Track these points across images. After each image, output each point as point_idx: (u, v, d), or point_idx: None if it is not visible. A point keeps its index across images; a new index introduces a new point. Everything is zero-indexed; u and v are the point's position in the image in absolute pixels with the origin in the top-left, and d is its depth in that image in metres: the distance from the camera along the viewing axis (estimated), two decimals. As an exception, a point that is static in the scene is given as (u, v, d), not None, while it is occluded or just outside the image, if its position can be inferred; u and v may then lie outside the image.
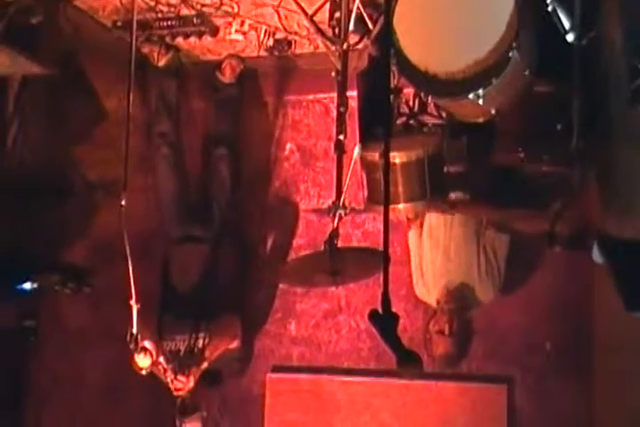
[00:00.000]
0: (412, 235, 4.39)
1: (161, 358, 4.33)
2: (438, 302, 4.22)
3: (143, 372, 3.95)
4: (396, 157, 3.42)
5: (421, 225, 4.33)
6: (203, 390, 4.52)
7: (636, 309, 2.77)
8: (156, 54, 4.68)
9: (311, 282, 4.12)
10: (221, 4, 4.29)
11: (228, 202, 4.88)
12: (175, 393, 4.38)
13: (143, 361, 4.00)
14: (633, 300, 2.74)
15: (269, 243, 5.04)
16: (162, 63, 4.73)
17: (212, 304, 4.63)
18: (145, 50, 4.64)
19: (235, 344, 4.62)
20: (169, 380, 4.35)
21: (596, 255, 3.06)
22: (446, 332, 4.10)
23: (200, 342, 4.49)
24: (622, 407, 3.67)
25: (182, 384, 4.36)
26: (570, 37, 2.95)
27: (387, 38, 3.12)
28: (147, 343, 4.04)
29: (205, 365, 4.46)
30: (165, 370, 4.34)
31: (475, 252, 4.22)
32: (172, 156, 4.87)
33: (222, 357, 4.56)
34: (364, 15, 3.72)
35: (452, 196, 3.66)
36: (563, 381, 4.38)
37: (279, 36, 4.55)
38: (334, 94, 3.68)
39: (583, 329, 4.26)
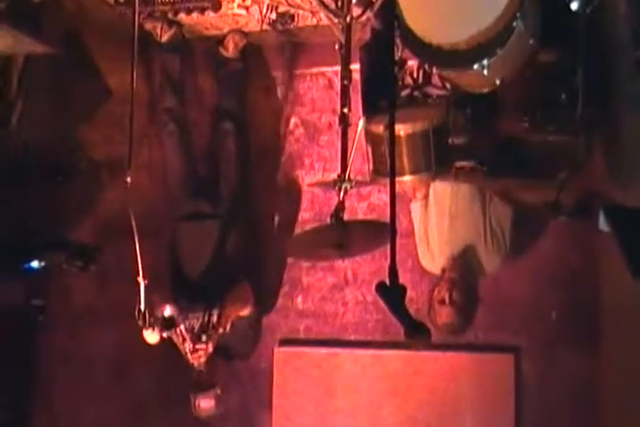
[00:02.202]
0: (414, 206, 4.39)
1: (182, 326, 4.32)
2: (444, 271, 4.23)
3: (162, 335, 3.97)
4: (401, 130, 3.42)
5: (426, 196, 4.33)
6: (216, 364, 4.54)
7: (642, 276, 2.77)
8: (158, 30, 4.67)
9: (317, 255, 4.13)
10: (223, -22, 4.28)
11: (236, 177, 4.89)
12: (194, 363, 4.37)
13: (151, 337, 4.03)
14: (639, 267, 2.75)
15: (275, 217, 5.05)
16: (165, 39, 4.72)
17: (222, 281, 4.64)
18: (148, 26, 4.63)
19: (247, 310, 4.61)
20: (187, 350, 4.35)
21: (602, 224, 3.07)
22: (446, 301, 4.11)
23: (214, 318, 4.49)
24: (629, 375, 3.69)
25: (202, 351, 4.35)
26: (574, 6, 2.94)
27: (390, 10, 3.11)
28: (168, 309, 4.05)
29: (221, 331, 4.46)
30: (184, 340, 4.34)
31: (481, 222, 4.22)
32: (178, 131, 4.86)
33: (237, 325, 4.56)
34: (367, -13, 3.71)
35: (458, 164, 3.65)
36: (569, 349, 4.40)
37: (282, 9, 4.52)
38: (338, 67, 3.67)
39: (589, 298, 4.26)
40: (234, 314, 4.55)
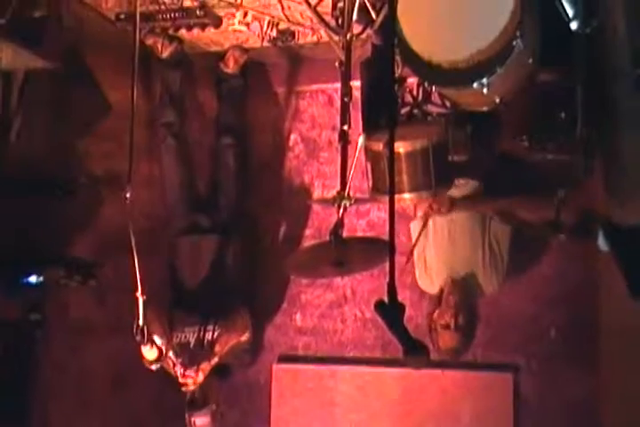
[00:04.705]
0: (414, 226, 4.40)
1: (170, 353, 4.32)
2: (442, 292, 4.22)
3: (153, 367, 3.96)
4: (401, 147, 3.42)
5: (425, 216, 4.33)
6: (211, 381, 4.53)
7: (641, 295, 2.77)
8: (159, 46, 4.67)
9: (317, 272, 4.13)
10: (224, -5, 4.30)
11: (235, 192, 4.89)
12: (184, 388, 4.38)
13: (150, 353, 4.01)
14: (638, 287, 2.75)
15: (274, 233, 5.05)
16: (166, 54, 4.73)
17: (220, 295, 4.63)
18: (149, 42, 4.64)
19: (245, 337, 4.62)
20: (178, 374, 4.34)
21: (602, 243, 3.06)
22: (452, 326, 4.10)
23: (210, 335, 4.48)
24: (628, 394, 3.68)
25: (191, 379, 4.35)
26: (574, 25, 2.95)
27: (390, 28, 3.11)
28: (156, 338, 4.04)
29: (216, 360, 4.46)
30: (174, 364, 4.34)
31: (479, 243, 4.22)
32: (177, 146, 4.86)
33: (233, 350, 4.56)
34: (368, 5, 3.71)
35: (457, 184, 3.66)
36: (568, 368, 4.40)
37: (282, 26, 4.53)
38: (338, 84, 3.68)
39: (588, 317, 4.26)
40: (230, 342, 4.55)
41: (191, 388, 4.38)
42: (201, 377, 4.38)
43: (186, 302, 4.65)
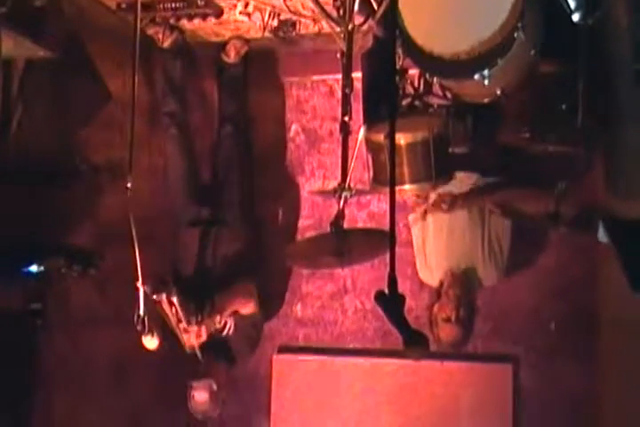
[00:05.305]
0: (413, 218, 4.40)
1: (177, 306, 4.23)
2: (442, 284, 4.23)
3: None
4: (402, 138, 3.43)
5: (425, 210, 4.33)
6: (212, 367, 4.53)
7: (640, 288, 2.78)
8: (160, 36, 4.67)
9: (317, 263, 4.13)
10: (226, -15, 4.29)
11: (236, 183, 4.88)
12: (187, 347, 4.34)
13: (151, 342, 4.02)
14: (638, 280, 2.75)
15: (275, 224, 5.05)
16: (166, 44, 4.72)
17: (222, 283, 4.63)
18: (150, 31, 4.63)
19: (250, 309, 4.58)
20: (181, 330, 4.29)
21: (602, 235, 3.07)
22: (452, 319, 4.11)
23: (212, 300, 4.48)
24: (627, 386, 3.69)
25: (195, 334, 4.32)
26: (576, 17, 2.94)
27: (392, 19, 3.11)
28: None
29: (218, 318, 4.45)
30: (179, 321, 4.30)
31: (479, 235, 4.22)
32: (180, 136, 4.85)
33: (240, 325, 4.55)
34: (369, -5, 3.70)
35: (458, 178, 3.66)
36: (568, 360, 4.40)
37: (284, 17, 4.53)
38: (339, 75, 3.67)
39: (588, 309, 4.27)
40: (235, 308, 4.53)
41: (194, 344, 4.33)
42: (204, 334, 4.36)
43: (186, 294, 4.65)
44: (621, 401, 3.82)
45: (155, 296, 3.97)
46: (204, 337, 4.37)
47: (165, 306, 4.12)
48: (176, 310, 4.21)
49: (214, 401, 4.48)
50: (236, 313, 4.54)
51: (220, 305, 4.49)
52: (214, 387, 4.46)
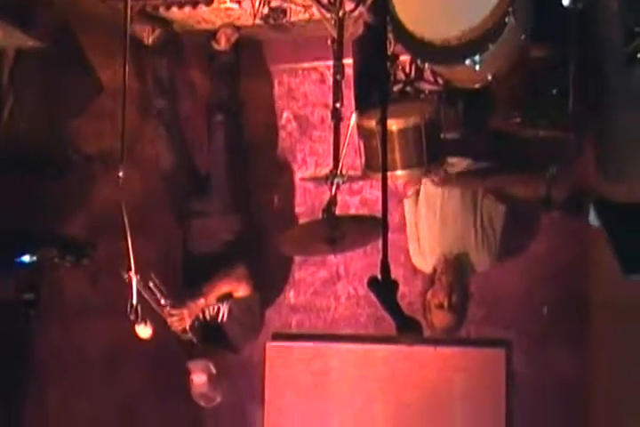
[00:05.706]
0: (407, 203, 4.40)
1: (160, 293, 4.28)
2: (435, 270, 4.24)
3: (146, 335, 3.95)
4: (393, 124, 3.43)
5: (418, 193, 4.34)
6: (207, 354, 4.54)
7: (632, 272, 2.79)
8: (144, 33, 4.66)
9: (310, 250, 4.14)
10: (215, -27, 4.28)
11: (227, 171, 4.87)
12: (174, 329, 4.37)
13: (144, 331, 4.03)
14: (629, 263, 2.76)
15: (267, 212, 5.05)
16: (150, 41, 4.71)
17: (212, 274, 4.63)
18: (134, 29, 4.60)
19: (243, 291, 4.59)
20: (166, 314, 4.32)
21: (593, 219, 3.08)
22: (445, 306, 4.12)
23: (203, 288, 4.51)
24: (619, 371, 3.71)
25: (178, 318, 4.34)
26: (565, 1, 2.94)
27: (382, 5, 3.11)
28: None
29: (203, 301, 4.47)
30: (165, 305, 4.32)
31: (471, 220, 4.23)
32: (170, 125, 4.85)
33: (234, 310, 4.57)
34: (359, -18, 3.70)
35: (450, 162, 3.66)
36: (560, 344, 4.42)
37: (274, 4, 4.51)
38: (330, 62, 3.68)
39: (579, 293, 4.28)
40: (224, 290, 4.54)
41: (178, 327, 4.36)
42: (187, 318, 4.38)
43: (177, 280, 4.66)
44: (612, 385, 3.83)
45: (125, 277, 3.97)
46: (187, 321, 4.38)
47: (144, 290, 4.12)
48: (155, 295, 4.23)
49: (213, 383, 4.49)
50: (229, 297, 4.55)
51: (206, 289, 4.50)
52: (212, 369, 4.47)
